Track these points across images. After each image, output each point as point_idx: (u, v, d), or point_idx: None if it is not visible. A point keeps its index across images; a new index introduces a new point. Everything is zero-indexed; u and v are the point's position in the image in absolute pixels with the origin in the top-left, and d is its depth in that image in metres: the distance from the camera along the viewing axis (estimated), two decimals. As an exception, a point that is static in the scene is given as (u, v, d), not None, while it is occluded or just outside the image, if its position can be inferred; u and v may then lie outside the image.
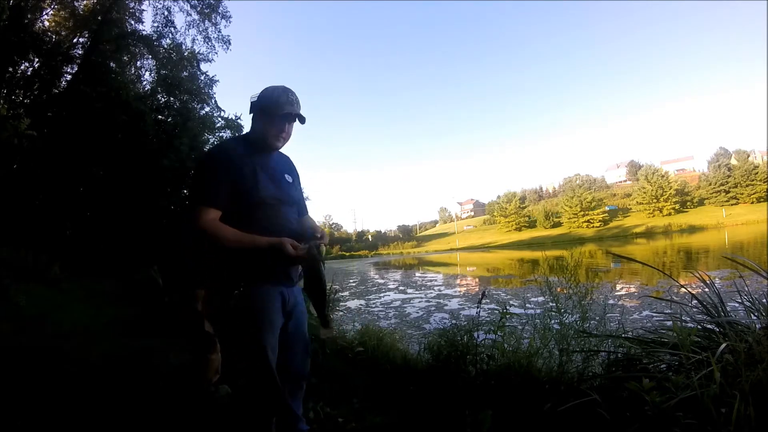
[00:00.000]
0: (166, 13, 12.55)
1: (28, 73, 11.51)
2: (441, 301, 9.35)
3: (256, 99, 1.50)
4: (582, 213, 57.30)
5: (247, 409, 1.41)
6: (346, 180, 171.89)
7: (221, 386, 2.42)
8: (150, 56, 13.29)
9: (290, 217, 1.54)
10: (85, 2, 12.19)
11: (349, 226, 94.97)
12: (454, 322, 2.86)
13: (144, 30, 12.85)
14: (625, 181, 74.58)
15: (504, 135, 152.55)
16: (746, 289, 2.00)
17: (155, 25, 12.64)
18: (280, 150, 1.59)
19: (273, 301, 1.45)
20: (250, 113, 1.53)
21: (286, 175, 1.59)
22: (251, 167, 1.45)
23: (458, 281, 15.52)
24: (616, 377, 1.74)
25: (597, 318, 2.25)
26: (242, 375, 1.45)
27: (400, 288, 12.97)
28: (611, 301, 2.70)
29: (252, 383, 1.41)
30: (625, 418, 1.40)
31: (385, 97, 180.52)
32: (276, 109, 1.45)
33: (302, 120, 1.51)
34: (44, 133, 10.29)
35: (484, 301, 2.68)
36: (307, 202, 1.80)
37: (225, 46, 13.35)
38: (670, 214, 52.31)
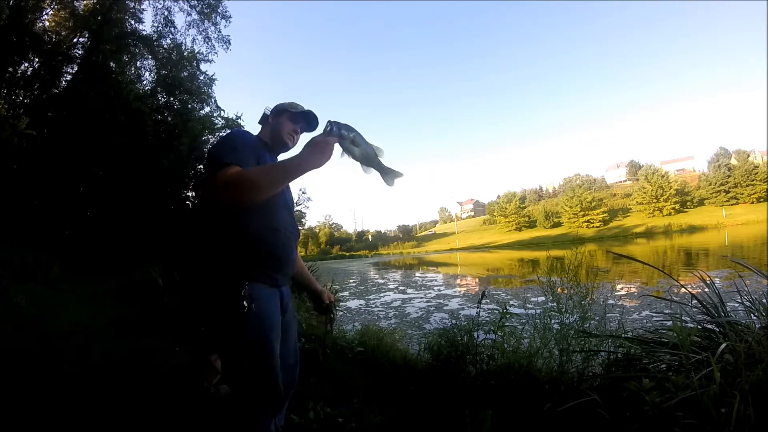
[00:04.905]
0: (166, 13, 12.64)
1: (28, 73, 11.53)
2: (441, 301, 9.34)
3: (272, 107, 1.60)
4: (582, 213, 57.31)
5: (245, 410, 1.37)
6: (346, 180, 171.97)
7: (221, 386, 2.42)
8: (150, 56, 13.33)
9: (287, 220, 1.51)
10: (85, 2, 12.21)
11: (349, 226, 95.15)
12: (454, 322, 2.85)
13: (144, 30, 12.93)
14: (625, 181, 74.60)
15: (504, 135, 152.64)
16: (746, 289, 2.00)
17: (155, 25, 12.74)
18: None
19: (277, 304, 1.43)
20: (260, 123, 1.60)
21: None
22: (262, 160, 1.43)
23: (458, 281, 15.51)
24: (616, 377, 1.74)
25: (597, 318, 2.25)
26: (240, 376, 1.39)
27: (400, 288, 12.95)
28: (611, 301, 2.70)
29: (254, 385, 1.35)
30: (625, 418, 1.40)
31: (384, 97, 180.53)
32: (294, 108, 1.55)
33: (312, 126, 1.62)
34: (44, 133, 10.29)
35: (484, 301, 2.68)
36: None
37: (225, 46, 13.43)
38: (670, 214, 52.34)
